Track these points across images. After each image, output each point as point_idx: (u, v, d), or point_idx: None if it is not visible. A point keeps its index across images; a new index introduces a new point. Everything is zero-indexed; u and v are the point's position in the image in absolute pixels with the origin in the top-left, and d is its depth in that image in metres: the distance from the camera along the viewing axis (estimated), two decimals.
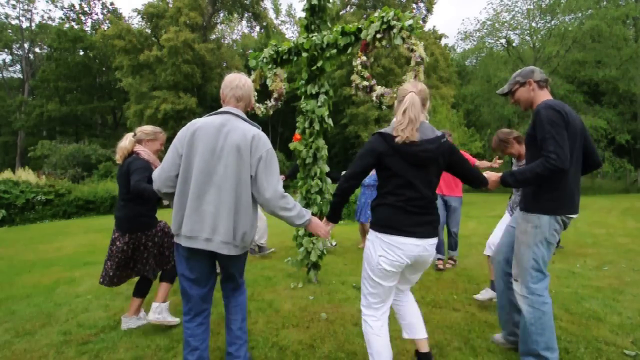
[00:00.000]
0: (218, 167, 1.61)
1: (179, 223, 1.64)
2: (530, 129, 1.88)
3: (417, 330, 1.91)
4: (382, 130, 1.69)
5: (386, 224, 1.65)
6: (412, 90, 1.66)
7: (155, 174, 1.72)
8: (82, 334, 2.49)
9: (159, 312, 2.45)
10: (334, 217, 1.84)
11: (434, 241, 1.71)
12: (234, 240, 1.63)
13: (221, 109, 1.74)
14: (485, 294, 2.95)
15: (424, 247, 1.66)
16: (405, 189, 1.63)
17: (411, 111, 1.58)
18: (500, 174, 1.93)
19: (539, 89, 1.95)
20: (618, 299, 3.04)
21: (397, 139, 1.58)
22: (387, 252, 1.63)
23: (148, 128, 2.61)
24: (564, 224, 1.88)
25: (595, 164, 2.03)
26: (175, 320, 2.52)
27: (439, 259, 4.08)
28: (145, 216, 2.48)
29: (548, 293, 1.88)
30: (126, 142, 2.47)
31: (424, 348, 1.89)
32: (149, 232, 2.49)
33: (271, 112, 4.03)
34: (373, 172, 2.06)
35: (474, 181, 1.87)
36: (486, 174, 1.92)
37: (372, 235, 1.72)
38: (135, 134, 2.53)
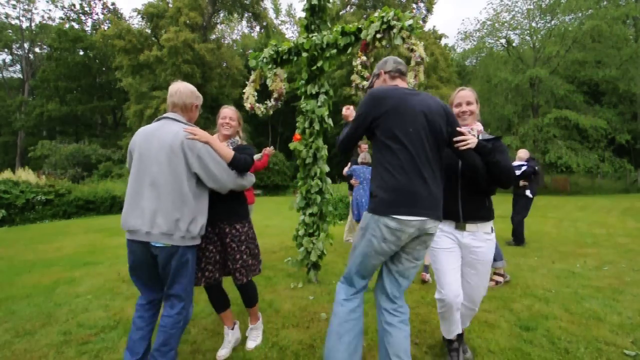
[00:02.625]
0: (151, 167, 1.77)
1: (124, 219, 1.79)
2: None
3: None
4: None
5: None
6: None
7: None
8: (82, 334, 2.49)
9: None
10: None
11: None
12: (179, 231, 1.75)
13: (160, 116, 1.94)
14: None
15: None
16: None
17: None
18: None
19: (390, 79, 1.81)
20: (618, 299, 3.05)
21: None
22: None
23: None
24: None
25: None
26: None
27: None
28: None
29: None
30: None
31: None
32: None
33: (271, 112, 4.02)
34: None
35: None
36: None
37: None
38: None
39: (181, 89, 1.93)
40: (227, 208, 2.11)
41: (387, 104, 1.59)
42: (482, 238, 1.91)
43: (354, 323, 1.61)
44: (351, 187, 5.35)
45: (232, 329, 2.28)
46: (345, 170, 5.19)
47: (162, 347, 1.77)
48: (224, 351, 2.18)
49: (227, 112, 2.32)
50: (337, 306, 1.65)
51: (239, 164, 1.95)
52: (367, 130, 1.67)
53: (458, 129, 1.70)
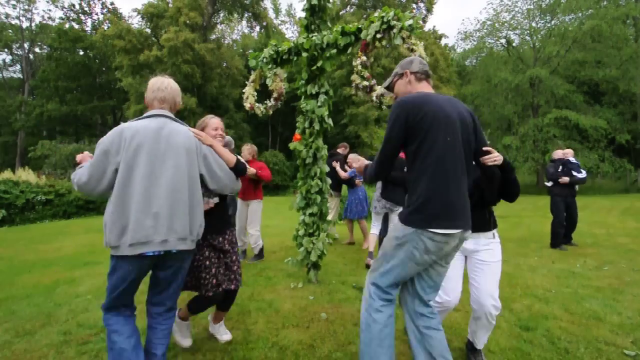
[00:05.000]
0: (164, 170, 1.65)
1: (121, 231, 1.56)
2: None
3: None
4: None
5: None
6: None
7: (84, 179, 1.62)
8: (82, 334, 2.49)
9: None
10: None
11: None
12: (191, 235, 1.74)
13: (152, 112, 1.79)
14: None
15: None
16: None
17: None
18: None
19: (416, 80, 1.78)
20: (618, 299, 3.05)
21: None
22: None
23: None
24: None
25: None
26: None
27: None
28: None
29: None
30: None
31: None
32: None
33: (271, 112, 4.03)
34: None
35: None
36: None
37: None
38: None
39: (172, 85, 1.87)
40: (217, 218, 2.09)
41: (424, 111, 1.52)
42: (483, 243, 2.01)
43: (392, 328, 1.65)
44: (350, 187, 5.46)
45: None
46: (346, 174, 5.09)
47: (166, 348, 1.79)
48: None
49: (217, 122, 2.18)
50: (375, 313, 1.64)
51: (240, 168, 2.00)
52: (402, 141, 1.60)
53: (484, 148, 1.69)
